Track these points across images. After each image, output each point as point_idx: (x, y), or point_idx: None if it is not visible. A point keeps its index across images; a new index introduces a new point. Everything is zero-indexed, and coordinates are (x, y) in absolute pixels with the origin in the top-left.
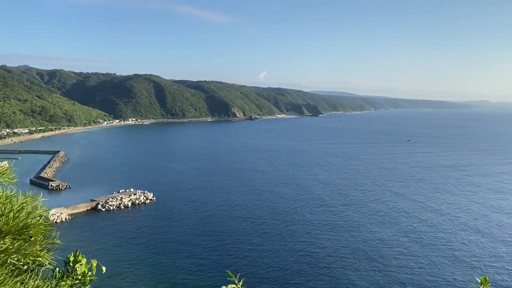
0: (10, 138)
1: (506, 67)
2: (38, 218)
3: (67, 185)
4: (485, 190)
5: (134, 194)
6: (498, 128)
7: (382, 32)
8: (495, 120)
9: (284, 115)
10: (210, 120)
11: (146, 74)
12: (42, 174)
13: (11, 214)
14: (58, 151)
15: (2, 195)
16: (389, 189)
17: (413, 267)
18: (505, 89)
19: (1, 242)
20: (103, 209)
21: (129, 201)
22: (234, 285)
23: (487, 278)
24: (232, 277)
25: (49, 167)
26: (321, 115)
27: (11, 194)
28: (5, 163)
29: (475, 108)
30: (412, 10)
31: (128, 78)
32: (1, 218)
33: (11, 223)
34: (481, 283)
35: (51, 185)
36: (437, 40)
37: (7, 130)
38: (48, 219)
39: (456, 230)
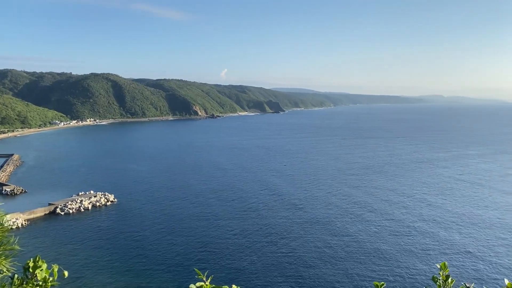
0: None
1: (457, 63)
2: None
3: (22, 189)
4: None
5: (95, 196)
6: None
7: (341, 29)
8: (448, 114)
9: (246, 113)
10: (172, 118)
11: (103, 73)
12: None
13: None
14: (12, 154)
15: None
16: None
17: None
18: (456, 84)
19: None
20: (62, 213)
21: (89, 203)
22: (203, 283)
23: (446, 263)
24: (200, 275)
25: (2, 171)
26: (283, 112)
27: None
28: None
29: (429, 102)
30: (371, 8)
31: (85, 77)
32: None
33: None
34: (440, 269)
35: (5, 190)
36: (392, 36)
37: None
38: (4, 224)
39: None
